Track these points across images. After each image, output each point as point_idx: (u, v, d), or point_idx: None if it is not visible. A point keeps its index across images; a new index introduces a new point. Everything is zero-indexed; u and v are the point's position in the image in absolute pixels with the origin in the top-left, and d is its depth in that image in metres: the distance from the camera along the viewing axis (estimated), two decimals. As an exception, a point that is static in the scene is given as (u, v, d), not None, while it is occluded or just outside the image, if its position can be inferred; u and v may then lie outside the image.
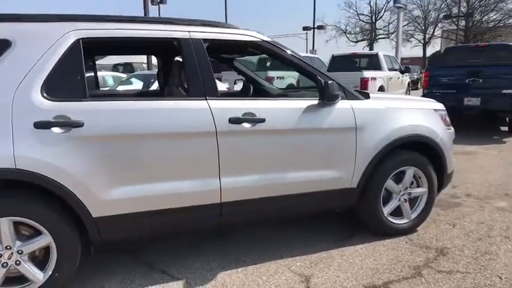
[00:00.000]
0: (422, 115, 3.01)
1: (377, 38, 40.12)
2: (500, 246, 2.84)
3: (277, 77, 10.41)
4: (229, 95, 3.98)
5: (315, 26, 29.60)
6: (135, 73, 10.08)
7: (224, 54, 3.59)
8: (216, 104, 2.38)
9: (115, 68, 15.76)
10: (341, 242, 2.95)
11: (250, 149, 2.47)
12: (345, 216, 3.28)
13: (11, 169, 1.97)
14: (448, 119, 3.29)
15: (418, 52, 42.57)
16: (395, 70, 10.74)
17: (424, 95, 7.62)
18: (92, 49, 2.91)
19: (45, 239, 2.12)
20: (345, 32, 41.18)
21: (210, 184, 2.39)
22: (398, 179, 3.00)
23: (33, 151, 2.01)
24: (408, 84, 11.72)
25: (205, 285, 2.40)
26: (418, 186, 3.08)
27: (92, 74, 3.46)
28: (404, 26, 37.39)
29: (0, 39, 2.07)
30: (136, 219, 2.28)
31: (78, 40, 2.19)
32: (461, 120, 9.14)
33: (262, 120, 2.45)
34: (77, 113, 2.09)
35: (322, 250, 2.83)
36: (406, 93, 11.48)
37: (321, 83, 2.60)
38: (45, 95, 2.07)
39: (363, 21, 40.82)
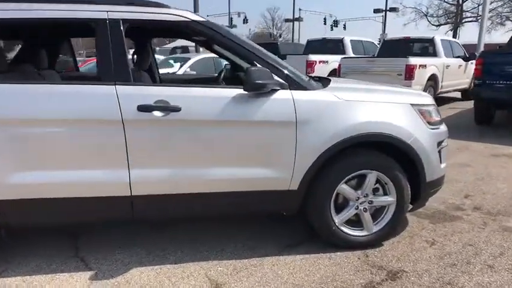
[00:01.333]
0: (389, 110, 2.51)
1: (463, 21, 36.08)
2: (473, 277, 2.30)
3: (320, 61, 9.82)
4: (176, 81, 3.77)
5: (387, 8, 27.47)
6: (174, 55, 10.30)
7: (155, 36, 3.36)
8: (124, 90, 2.21)
9: (173, 50, 16.27)
10: (284, 249, 2.64)
11: (163, 140, 2.26)
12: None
13: None
14: (435, 116, 2.72)
15: (515, 37, 37.28)
16: (457, 57, 9.49)
17: (475, 86, 6.60)
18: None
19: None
20: (425, 15, 37.67)
21: (118, 175, 2.25)
22: (359, 184, 2.57)
23: None
24: (475, 73, 10.27)
25: (110, 280, 2.29)
26: (386, 194, 2.62)
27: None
28: (498, 6, 33.08)
29: None
30: (42, 206, 2.23)
31: (-13, 21, 2.17)
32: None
33: (177, 109, 2.22)
34: None
35: (256, 256, 2.55)
36: (470, 83, 10.12)
37: None
38: None
39: (447, 2, 36.91)
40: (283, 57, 10.21)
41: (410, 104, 2.59)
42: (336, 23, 42.47)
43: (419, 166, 2.56)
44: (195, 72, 7.62)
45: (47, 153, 2.17)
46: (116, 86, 2.20)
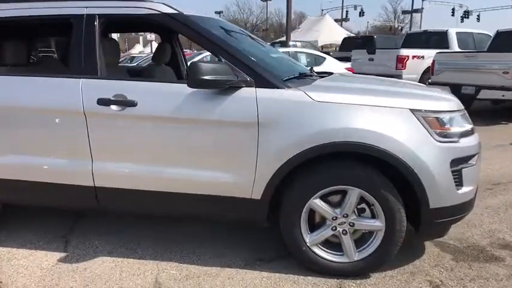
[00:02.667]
0: (375, 116, 2.04)
1: None
2: None
3: (414, 56, 8.72)
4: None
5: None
6: None
7: (132, 30, 3.24)
8: (88, 83, 2.25)
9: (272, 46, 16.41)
10: (253, 263, 2.40)
11: (120, 135, 2.27)
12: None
13: None
14: (454, 125, 2.13)
15: None
16: None
17: None
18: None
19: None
20: None
21: (81, 165, 2.32)
22: (340, 201, 2.18)
23: None
24: None
25: (72, 264, 2.38)
26: (374, 217, 2.16)
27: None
28: None
29: None
30: (19, 187, 2.44)
31: (-9, 19, 2.44)
32: None
33: (133, 104, 2.18)
34: None
35: (219, 265, 2.37)
36: None
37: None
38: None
39: None
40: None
41: (410, 109, 2.07)
42: (466, 14, 37.48)
43: (417, 187, 2.04)
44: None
45: (21, 139, 2.37)
46: (82, 79, 2.27)
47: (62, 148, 2.33)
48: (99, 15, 2.33)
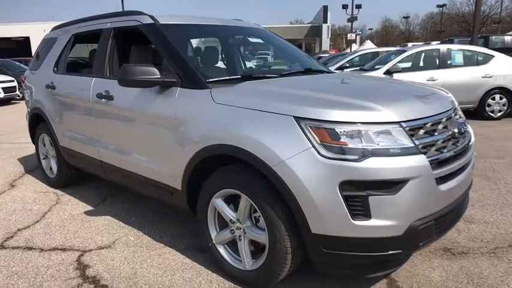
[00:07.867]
0: (258, 121, 1.90)
1: None
2: None
3: None
4: None
5: None
6: (399, 48, 8.97)
7: (136, 41, 3.41)
8: (96, 81, 2.98)
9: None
10: (190, 249, 2.60)
11: (106, 122, 2.88)
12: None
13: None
14: (350, 140, 1.73)
15: None
16: None
17: None
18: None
19: None
20: None
21: (93, 142, 3.08)
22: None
23: None
24: None
25: (86, 216, 3.18)
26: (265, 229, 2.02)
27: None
28: None
29: (53, 37, 3.78)
30: (72, 153, 3.44)
31: (72, 35, 3.51)
32: None
33: (111, 98, 2.76)
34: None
35: (166, 243, 2.69)
36: None
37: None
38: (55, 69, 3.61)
39: None
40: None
41: (295, 117, 1.81)
42: None
43: (292, 205, 1.82)
44: (400, 66, 6.83)
45: (71, 120, 3.33)
46: (94, 78, 3.01)
47: (85, 128, 3.15)
48: (114, 28, 3.01)
